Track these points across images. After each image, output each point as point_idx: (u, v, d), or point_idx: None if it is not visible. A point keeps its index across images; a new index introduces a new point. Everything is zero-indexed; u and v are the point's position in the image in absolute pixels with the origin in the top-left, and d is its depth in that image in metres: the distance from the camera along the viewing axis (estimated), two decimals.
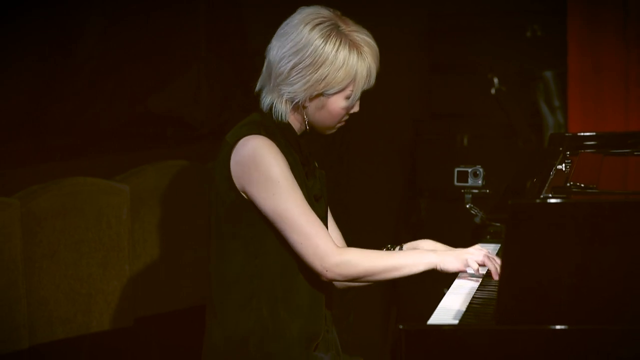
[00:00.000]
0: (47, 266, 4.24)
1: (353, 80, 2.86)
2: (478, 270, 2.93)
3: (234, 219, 2.87)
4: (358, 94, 2.90)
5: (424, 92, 5.99)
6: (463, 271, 2.95)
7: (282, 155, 2.84)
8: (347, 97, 2.88)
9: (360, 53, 2.86)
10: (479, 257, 2.91)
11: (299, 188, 2.83)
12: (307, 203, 2.84)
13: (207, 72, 5.98)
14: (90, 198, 4.40)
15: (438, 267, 2.88)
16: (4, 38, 5.21)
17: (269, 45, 2.91)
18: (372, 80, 2.91)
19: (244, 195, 2.85)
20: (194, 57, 5.97)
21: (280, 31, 2.90)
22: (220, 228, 2.89)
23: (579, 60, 4.94)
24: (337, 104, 2.89)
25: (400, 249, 3.13)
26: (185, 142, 5.75)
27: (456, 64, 5.92)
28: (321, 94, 2.87)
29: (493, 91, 5.74)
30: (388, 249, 3.13)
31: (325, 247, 2.81)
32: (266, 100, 2.91)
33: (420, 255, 2.89)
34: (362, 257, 2.84)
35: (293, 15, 2.90)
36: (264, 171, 2.80)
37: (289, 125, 2.91)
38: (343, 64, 2.84)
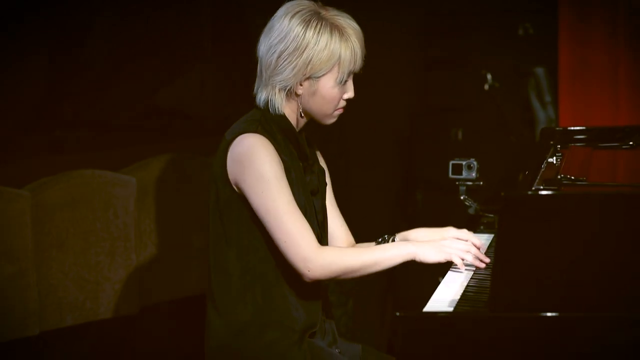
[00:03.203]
0: (56, 255, 4.24)
1: (338, 60, 2.85)
2: (463, 264, 2.90)
3: (228, 213, 2.86)
4: (346, 75, 2.88)
5: (420, 87, 5.98)
6: (444, 263, 2.90)
7: (277, 154, 2.82)
8: (336, 79, 2.87)
9: (342, 34, 2.86)
10: (460, 253, 2.87)
11: (289, 188, 2.81)
12: (295, 204, 2.81)
13: (212, 69, 5.97)
14: (98, 190, 4.39)
15: (417, 258, 2.84)
16: (17, 35, 5.20)
17: (258, 44, 2.91)
18: (359, 61, 2.89)
19: (238, 191, 2.83)
20: (200, 54, 5.96)
21: (266, 28, 2.90)
22: (216, 222, 2.89)
23: (570, 57, 4.94)
24: (328, 86, 2.87)
25: (394, 239, 3.11)
26: (191, 136, 5.75)
27: (451, 60, 5.91)
28: (310, 78, 2.85)
29: (487, 87, 5.73)
30: (383, 239, 3.11)
31: (308, 249, 2.78)
32: (261, 95, 2.90)
33: (397, 248, 2.84)
34: (341, 255, 2.81)
35: (277, 11, 2.90)
36: (255, 169, 2.79)
37: (287, 121, 2.90)
38: (326, 45, 2.84)
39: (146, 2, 5.73)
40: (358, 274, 2.84)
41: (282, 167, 2.82)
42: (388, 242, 3.11)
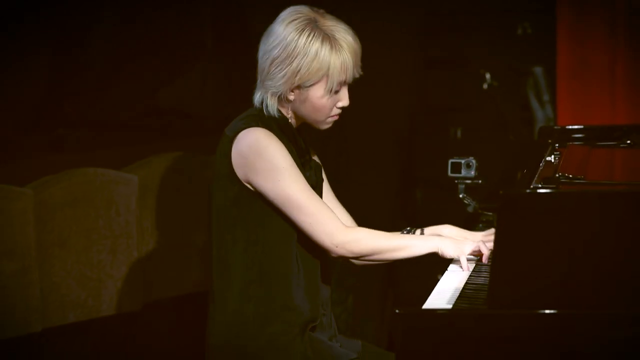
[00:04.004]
0: (59, 253, 4.24)
1: (327, 71, 2.84)
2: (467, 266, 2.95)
3: (235, 209, 2.86)
4: (335, 85, 2.86)
5: (419, 87, 5.99)
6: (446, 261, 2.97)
7: (282, 143, 2.83)
8: (325, 89, 2.86)
9: (333, 45, 2.83)
10: (475, 245, 2.94)
11: (300, 172, 2.83)
12: (310, 187, 2.83)
13: (212, 68, 5.97)
14: (101, 188, 4.40)
15: (439, 252, 2.91)
16: (18, 35, 5.20)
17: (259, 47, 2.91)
18: (350, 73, 2.87)
19: (247, 185, 2.84)
20: (201, 54, 5.96)
21: (266, 32, 2.90)
22: (221, 218, 2.88)
23: (568, 57, 4.94)
24: (317, 95, 2.86)
25: (422, 233, 3.15)
26: (191, 135, 5.75)
27: (450, 60, 5.91)
28: (300, 87, 2.85)
29: (485, 86, 5.73)
30: (408, 232, 3.15)
31: (334, 225, 2.82)
32: (256, 96, 2.91)
33: (425, 239, 2.91)
34: (369, 235, 2.86)
35: (279, 15, 2.90)
36: (267, 160, 2.79)
37: (285, 117, 2.90)
38: (315, 56, 2.82)
39: (147, 2, 5.73)
40: (384, 256, 2.87)
41: (289, 153, 2.83)
42: (411, 233, 3.16)
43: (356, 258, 2.88)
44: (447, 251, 2.91)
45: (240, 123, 2.87)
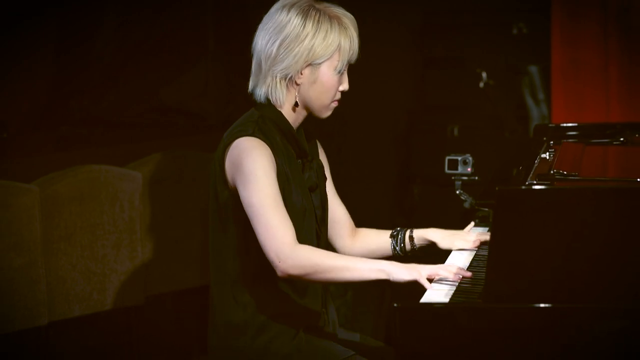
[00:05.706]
0: (64, 248, 4.24)
1: (338, 48, 2.85)
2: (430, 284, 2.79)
3: (227, 213, 2.84)
4: (345, 64, 2.87)
5: (417, 85, 5.99)
6: (415, 281, 2.76)
7: (270, 154, 2.80)
8: (335, 67, 2.86)
9: (341, 24, 2.85)
10: (434, 271, 2.78)
11: (276, 187, 2.77)
12: (279, 201, 2.76)
13: (214, 67, 5.97)
14: (105, 184, 4.39)
15: (390, 278, 2.74)
16: (26, 34, 5.21)
17: (254, 41, 2.90)
18: (356, 51, 2.89)
19: (235, 191, 2.82)
20: (203, 53, 5.97)
21: (261, 24, 2.89)
22: (216, 222, 2.87)
23: (562, 56, 4.94)
24: (328, 74, 2.86)
25: (410, 233, 3.13)
26: (194, 132, 5.75)
27: (447, 59, 5.92)
28: (311, 65, 2.84)
29: (482, 85, 5.74)
30: (398, 231, 3.13)
31: (281, 241, 2.72)
32: (261, 91, 2.89)
33: (373, 263, 2.77)
34: (314, 253, 2.75)
35: (270, 9, 2.90)
36: (245, 167, 2.77)
37: (284, 119, 2.88)
38: (326, 33, 2.83)
39: (151, 2, 5.74)
40: (328, 275, 2.74)
41: (274, 167, 2.80)
42: (400, 234, 3.14)
43: (300, 276, 2.74)
44: (399, 275, 2.73)
45: (237, 129, 2.84)
